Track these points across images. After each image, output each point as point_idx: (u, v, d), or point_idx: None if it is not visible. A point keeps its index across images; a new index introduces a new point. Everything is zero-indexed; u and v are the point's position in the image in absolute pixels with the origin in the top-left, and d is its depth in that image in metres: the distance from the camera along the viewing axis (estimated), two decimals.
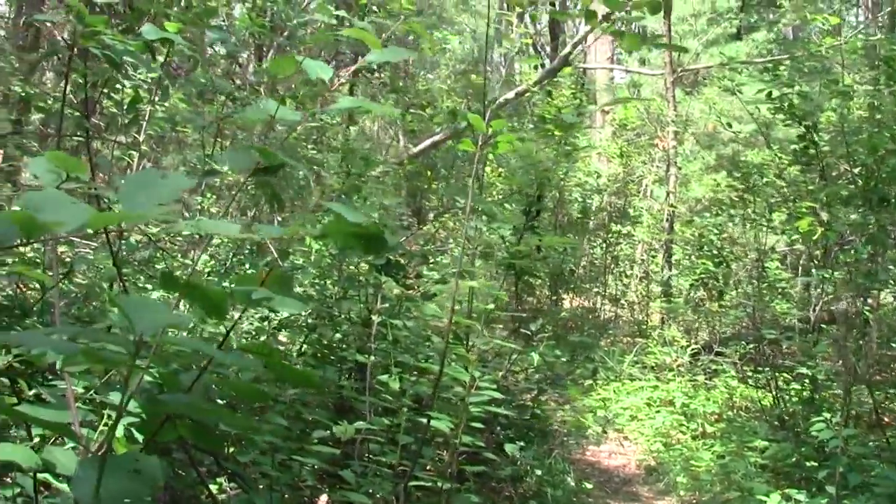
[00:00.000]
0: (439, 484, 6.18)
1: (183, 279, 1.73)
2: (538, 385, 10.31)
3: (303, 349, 7.26)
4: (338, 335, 7.02)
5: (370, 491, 5.50)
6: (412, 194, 19.17)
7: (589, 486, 9.90)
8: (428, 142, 16.71)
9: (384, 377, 6.33)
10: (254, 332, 7.37)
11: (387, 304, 6.88)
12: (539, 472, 9.31)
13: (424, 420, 6.12)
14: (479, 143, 4.90)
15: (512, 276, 8.18)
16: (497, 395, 6.59)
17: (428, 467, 7.51)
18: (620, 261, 20.91)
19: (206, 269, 8.21)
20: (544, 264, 18.34)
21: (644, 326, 18.01)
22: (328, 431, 5.28)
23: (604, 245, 19.97)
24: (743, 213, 12.75)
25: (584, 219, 19.72)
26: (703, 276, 13.09)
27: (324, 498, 6.81)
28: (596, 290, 19.90)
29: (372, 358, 6.38)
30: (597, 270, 20.12)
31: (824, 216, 8.09)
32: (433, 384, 5.96)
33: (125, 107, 6.23)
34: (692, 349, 13.95)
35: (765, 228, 12.80)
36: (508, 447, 8.36)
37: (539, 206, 8.15)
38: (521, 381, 10.22)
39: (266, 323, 7.24)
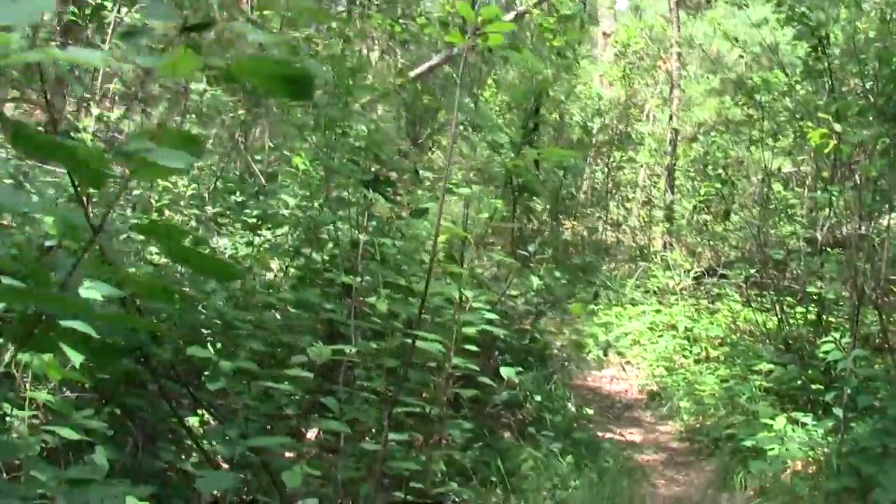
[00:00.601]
0: (429, 410, 5.89)
1: (35, 135, 1.39)
2: (537, 308, 10.00)
3: (288, 272, 6.93)
4: (325, 257, 6.68)
5: (356, 418, 5.19)
6: (411, 122, 18.75)
7: (590, 411, 9.63)
8: (425, 66, 16.23)
9: (372, 299, 6.01)
10: (239, 257, 7.04)
11: (375, 223, 6.53)
12: (538, 398, 9.06)
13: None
14: (469, 34, 4.50)
15: (510, 194, 7.79)
16: (492, 315, 6.28)
17: (424, 395, 7.27)
18: (622, 186, 20.57)
19: (188, 193, 7.83)
20: (543, 187, 18.04)
21: (646, 251, 17.70)
22: (307, 358, 4.96)
23: (605, 170, 19.61)
24: (749, 132, 12.32)
25: (586, 138, 19.32)
26: (707, 196, 12.69)
27: (313, 430, 6.53)
28: (598, 215, 19.55)
29: (359, 279, 6.05)
30: (598, 195, 19.76)
31: (837, 128, 7.69)
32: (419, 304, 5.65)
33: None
34: (695, 273, 13.64)
35: (771, 148, 12.41)
36: (505, 370, 8.07)
37: (537, 120, 7.76)
38: (519, 304, 9.90)
39: (252, 248, 6.91)
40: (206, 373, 4.91)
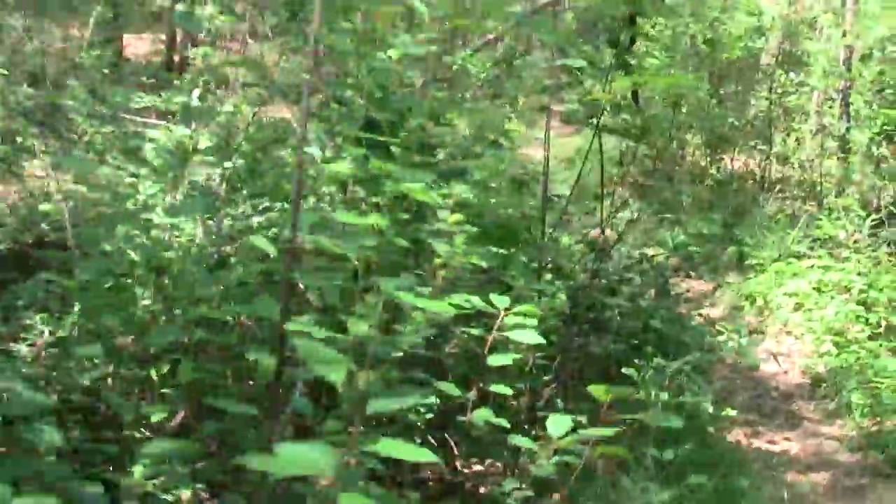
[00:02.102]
0: None
1: None
2: (661, 272, 7.98)
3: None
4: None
5: None
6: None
7: (732, 411, 7.56)
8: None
9: None
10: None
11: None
12: (664, 396, 7.11)
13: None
14: None
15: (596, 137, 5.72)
16: (536, 338, 4.42)
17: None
18: (791, 113, 17.98)
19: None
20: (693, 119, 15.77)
21: (818, 189, 15.18)
22: None
23: (770, 96, 17.11)
24: None
25: (748, 61, 16.95)
26: (885, 126, 10.28)
27: None
28: (762, 147, 17.07)
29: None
30: (761, 125, 17.27)
31: None
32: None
33: None
34: (873, 220, 11.19)
35: None
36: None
37: (632, 33, 5.67)
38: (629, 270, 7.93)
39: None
40: None
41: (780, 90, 17.35)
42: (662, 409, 6.93)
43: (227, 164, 5.54)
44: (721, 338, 8.28)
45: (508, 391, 4.48)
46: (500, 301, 4.48)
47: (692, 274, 9.16)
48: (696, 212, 13.05)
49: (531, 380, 5.81)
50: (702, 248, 10.90)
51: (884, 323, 9.37)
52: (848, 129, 14.61)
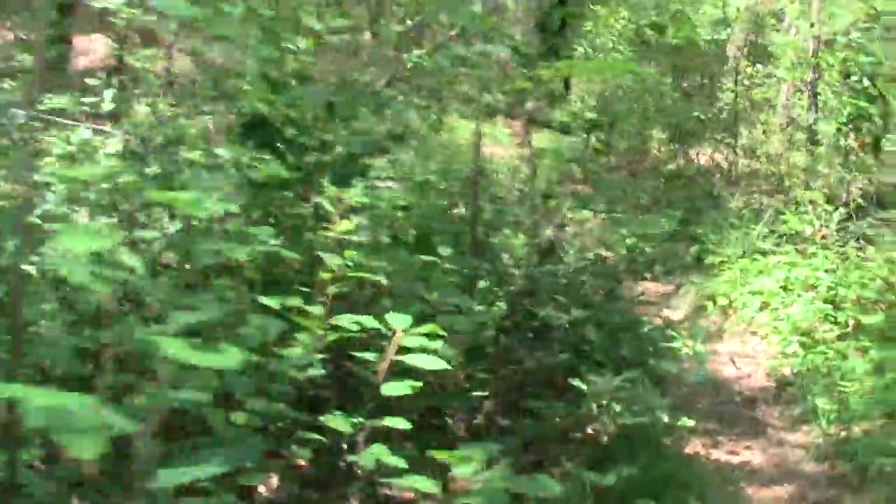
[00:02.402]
0: None
1: None
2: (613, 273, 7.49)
3: None
4: None
5: None
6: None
7: (690, 421, 7.03)
8: None
9: None
10: None
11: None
12: (616, 407, 6.62)
13: None
14: None
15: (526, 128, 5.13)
16: (437, 362, 3.78)
17: None
18: (759, 106, 17.57)
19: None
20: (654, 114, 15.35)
21: (785, 183, 14.70)
22: None
23: (736, 88, 16.68)
24: None
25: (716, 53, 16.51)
26: (852, 117, 9.80)
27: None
28: (728, 140, 16.62)
29: None
30: (728, 118, 16.83)
31: None
32: None
33: None
34: (840, 215, 10.70)
35: None
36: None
37: (561, 15, 5.15)
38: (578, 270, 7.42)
39: None
40: None
41: (746, 82, 16.94)
42: (612, 421, 6.47)
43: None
44: (675, 344, 7.77)
45: (405, 425, 3.77)
46: (400, 320, 3.88)
47: (647, 276, 8.62)
48: (656, 209, 12.57)
49: (460, 397, 5.29)
50: (659, 246, 10.39)
51: (852, 322, 8.89)
52: (816, 121, 14.16)
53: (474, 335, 5.49)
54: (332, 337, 3.69)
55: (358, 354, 3.71)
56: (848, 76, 10.87)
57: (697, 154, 16.72)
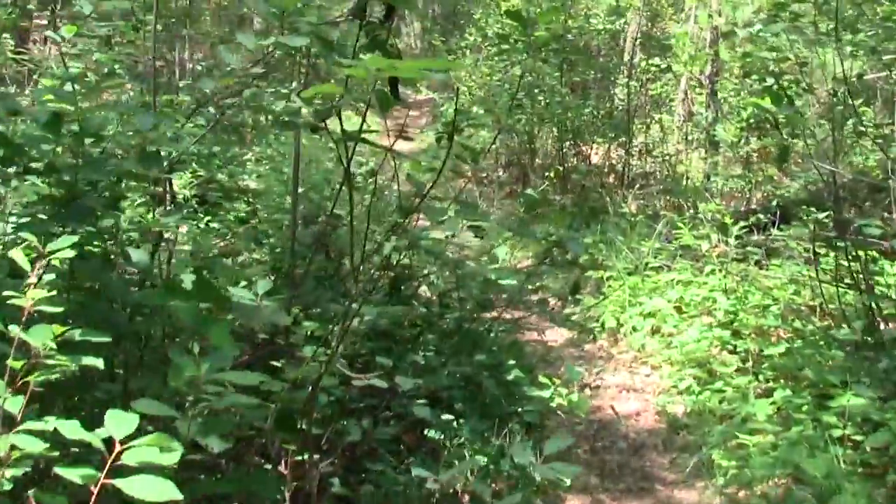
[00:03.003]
0: None
1: None
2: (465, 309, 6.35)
3: None
4: None
5: None
6: None
7: (566, 481, 5.89)
8: None
9: None
10: None
11: None
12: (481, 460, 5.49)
13: None
14: None
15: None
16: (168, 491, 2.49)
17: None
18: (656, 102, 16.56)
19: None
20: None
21: (683, 187, 13.67)
22: None
23: (629, 83, 15.66)
24: (813, 20, 8.16)
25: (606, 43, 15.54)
26: (750, 120, 8.74)
27: None
28: (622, 139, 15.57)
29: None
30: (620, 114, 15.80)
31: None
32: None
33: None
34: (738, 230, 9.61)
35: (846, 47, 8.47)
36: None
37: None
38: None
39: None
40: None
41: (642, 77, 15.91)
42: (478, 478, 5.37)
43: None
44: (545, 393, 6.61)
45: None
46: (121, 426, 2.60)
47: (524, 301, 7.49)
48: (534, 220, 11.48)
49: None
50: (537, 262, 9.31)
51: (755, 353, 7.83)
52: (714, 122, 13.19)
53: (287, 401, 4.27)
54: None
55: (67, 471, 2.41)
56: (748, 74, 9.82)
57: (588, 154, 15.68)
